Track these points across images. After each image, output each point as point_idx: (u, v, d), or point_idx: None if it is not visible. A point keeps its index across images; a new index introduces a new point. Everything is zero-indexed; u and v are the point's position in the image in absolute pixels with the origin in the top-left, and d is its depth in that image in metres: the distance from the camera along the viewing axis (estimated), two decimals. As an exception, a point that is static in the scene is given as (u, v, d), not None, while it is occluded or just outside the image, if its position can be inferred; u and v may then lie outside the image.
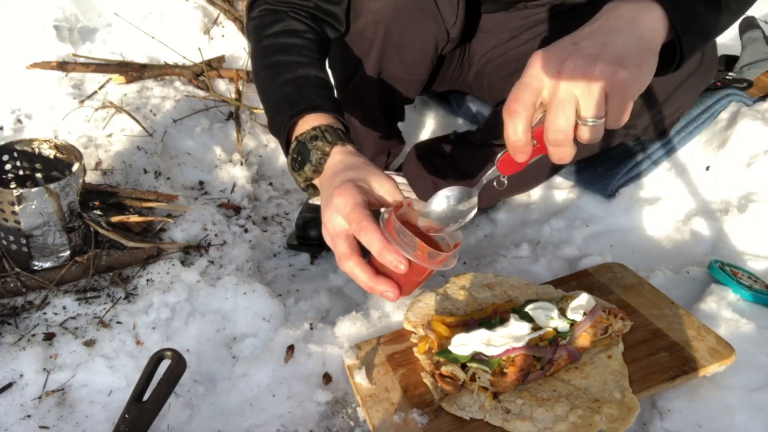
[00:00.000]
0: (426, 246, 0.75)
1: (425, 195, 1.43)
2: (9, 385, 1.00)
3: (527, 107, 0.74)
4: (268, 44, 1.08)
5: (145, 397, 0.89)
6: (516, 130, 0.75)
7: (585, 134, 0.74)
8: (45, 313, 1.13)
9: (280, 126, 0.98)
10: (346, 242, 0.80)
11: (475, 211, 0.82)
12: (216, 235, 1.39)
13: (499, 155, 0.80)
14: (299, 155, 0.92)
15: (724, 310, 1.08)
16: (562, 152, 0.75)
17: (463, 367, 0.93)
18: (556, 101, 0.72)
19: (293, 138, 0.94)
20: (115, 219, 1.31)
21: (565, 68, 0.72)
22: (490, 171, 0.82)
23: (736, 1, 0.88)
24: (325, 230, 0.84)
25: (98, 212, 1.31)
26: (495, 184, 0.82)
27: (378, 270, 0.78)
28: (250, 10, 1.18)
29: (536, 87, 0.74)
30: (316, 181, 0.93)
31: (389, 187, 0.83)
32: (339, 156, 0.89)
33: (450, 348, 0.94)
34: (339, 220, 0.80)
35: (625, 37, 0.74)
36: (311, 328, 1.13)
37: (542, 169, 1.37)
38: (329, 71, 1.26)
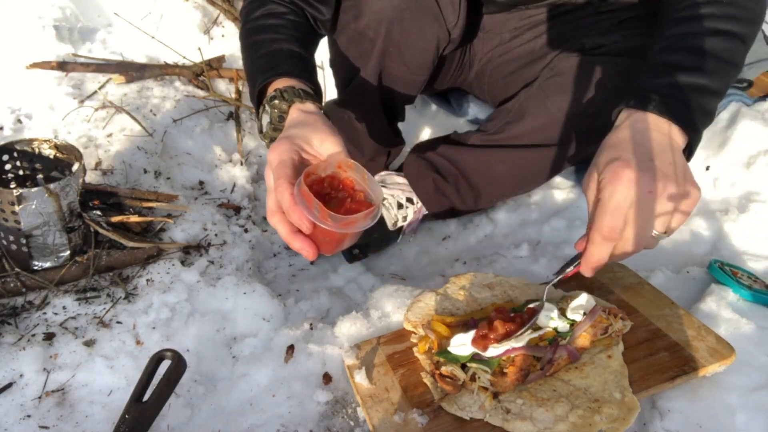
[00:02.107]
0: (326, 210, 0.78)
1: (425, 195, 1.44)
2: (9, 385, 1.00)
3: (620, 234, 0.80)
4: (249, 27, 1.15)
5: (146, 398, 0.89)
6: (604, 253, 0.82)
7: (647, 247, 0.83)
8: (45, 313, 1.13)
9: (252, 96, 1.04)
10: (274, 199, 0.83)
11: None
12: (216, 235, 1.39)
13: (569, 268, 0.89)
14: (261, 120, 0.99)
15: (724, 310, 1.08)
16: (618, 255, 0.84)
17: (463, 367, 0.93)
18: (642, 219, 0.79)
19: (264, 100, 1.00)
20: (115, 219, 1.31)
21: (656, 190, 0.79)
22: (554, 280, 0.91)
23: (735, 72, 0.95)
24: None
25: (98, 212, 1.31)
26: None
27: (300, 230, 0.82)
28: (243, 6, 1.23)
29: (625, 210, 0.80)
30: None
31: (329, 145, 0.87)
32: (295, 113, 0.94)
33: (450, 348, 0.94)
34: (271, 177, 0.84)
35: (678, 154, 0.83)
36: (311, 328, 1.13)
37: (542, 169, 1.37)
38: (329, 62, 1.29)
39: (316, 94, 1.01)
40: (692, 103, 0.87)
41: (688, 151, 0.89)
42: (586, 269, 0.85)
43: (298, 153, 0.86)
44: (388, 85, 1.29)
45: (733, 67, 0.93)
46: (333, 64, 1.40)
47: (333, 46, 1.32)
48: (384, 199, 1.37)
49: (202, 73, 1.95)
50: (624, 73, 1.22)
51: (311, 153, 0.87)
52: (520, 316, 0.95)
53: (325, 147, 0.87)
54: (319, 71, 1.16)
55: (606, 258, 0.83)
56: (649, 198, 0.79)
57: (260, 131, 1.02)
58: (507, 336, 0.90)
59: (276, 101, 0.95)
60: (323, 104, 1.22)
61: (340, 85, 1.40)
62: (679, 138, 0.85)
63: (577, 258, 0.88)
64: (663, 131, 0.84)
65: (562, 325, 0.96)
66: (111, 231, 1.28)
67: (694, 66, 0.89)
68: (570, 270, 0.89)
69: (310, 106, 0.95)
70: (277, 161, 0.83)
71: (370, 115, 1.40)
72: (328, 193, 0.84)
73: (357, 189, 0.85)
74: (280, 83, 0.99)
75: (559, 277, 0.90)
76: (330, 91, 1.53)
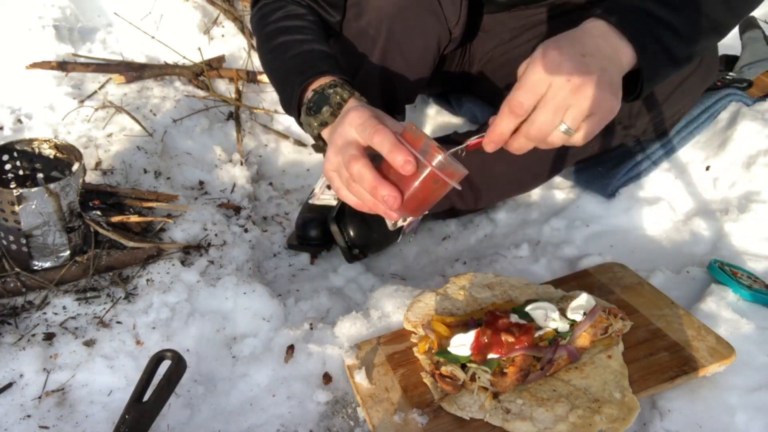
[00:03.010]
0: (439, 149, 0.74)
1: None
2: (9, 385, 1.00)
3: (527, 110, 0.79)
4: (271, 29, 1.14)
5: (146, 398, 0.89)
6: (507, 126, 0.80)
7: (553, 139, 0.80)
8: (45, 313, 1.13)
9: (292, 92, 1.01)
10: (356, 147, 0.80)
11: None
12: (216, 235, 1.39)
13: (472, 138, 0.84)
14: (315, 102, 0.96)
15: (724, 310, 1.08)
16: (525, 145, 0.82)
17: (463, 367, 0.93)
18: (554, 105, 0.77)
19: (308, 91, 0.98)
20: (115, 219, 1.31)
21: (574, 79, 0.76)
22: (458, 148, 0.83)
23: (711, 30, 0.94)
24: (333, 149, 0.84)
25: (98, 212, 1.31)
26: (459, 151, 0.84)
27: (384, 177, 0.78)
28: (252, 7, 1.23)
29: (540, 92, 0.78)
30: (327, 131, 0.96)
31: (397, 126, 0.84)
32: (355, 103, 0.93)
33: (449, 348, 0.94)
34: (350, 131, 0.81)
35: (615, 68, 0.81)
36: (311, 328, 1.13)
37: (542, 169, 1.37)
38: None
39: None
40: (653, 33, 0.85)
41: (640, 87, 0.87)
42: (488, 141, 0.82)
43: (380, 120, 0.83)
44: (388, 83, 1.29)
45: (707, 19, 0.91)
46: None
47: (334, 45, 1.32)
48: None
49: (202, 73, 1.95)
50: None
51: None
52: (517, 324, 0.94)
53: (392, 124, 0.85)
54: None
55: (507, 133, 0.81)
56: (566, 85, 0.76)
57: (307, 114, 0.98)
58: (510, 351, 0.90)
59: (338, 88, 0.95)
60: None
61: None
62: (625, 57, 0.83)
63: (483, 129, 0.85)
64: (611, 43, 0.82)
65: (562, 325, 0.96)
66: (111, 231, 1.28)
67: (666, 1, 0.87)
68: (473, 140, 0.84)
69: (365, 102, 0.95)
70: (367, 116, 0.81)
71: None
72: None
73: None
74: (329, 78, 0.98)
75: (463, 146, 0.83)
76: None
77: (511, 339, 0.90)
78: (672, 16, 0.87)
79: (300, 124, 1.05)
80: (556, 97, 0.77)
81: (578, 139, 0.81)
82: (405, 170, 0.75)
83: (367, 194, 0.80)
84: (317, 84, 0.98)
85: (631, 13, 0.85)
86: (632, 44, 0.83)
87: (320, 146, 1.01)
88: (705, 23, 0.92)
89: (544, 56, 0.78)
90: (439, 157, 0.75)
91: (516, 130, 0.82)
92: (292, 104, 1.03)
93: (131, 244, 1.27)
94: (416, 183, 0.77)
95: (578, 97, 0.77)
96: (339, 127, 0.84)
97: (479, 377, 0.91)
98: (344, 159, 0.81)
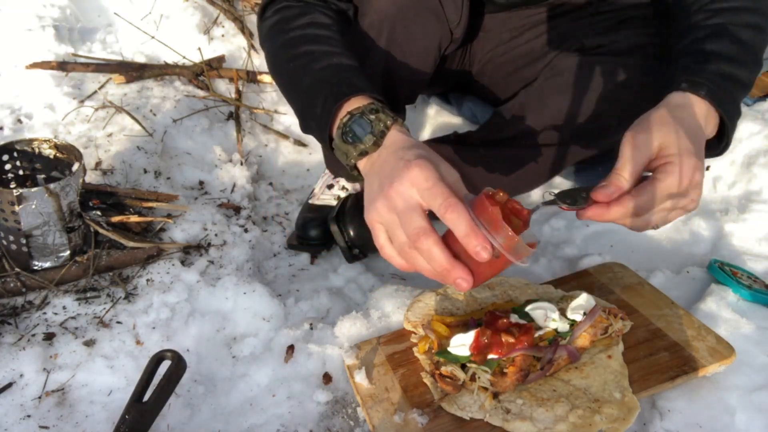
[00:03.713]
0: (516, 237, 0.70)
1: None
2: (9, 385, 1.00)
3: (646, 212, 0.83)
4: (296, 35, 1.05)
5: (146, 398, 0.89)
6: (615, 218, 0.82)
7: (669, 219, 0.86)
8: (45, 313, 1.13)
9: (323, 108, 0.91)
10: (423, 217, 0.73)
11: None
12: (216, 235, 1.39)
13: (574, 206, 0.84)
14: (353, 128, 0.86)
15: (724, 310, 1.08)
16: (638, 224, 0.85)
17: (463, 367, 0.93)
18: (667, 208, 0.84)
19: (343, 113, 0.88)
20: (115, 219, 1.31)
21: (697, 176, 0.83)
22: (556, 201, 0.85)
23: (758, 69, 0.99)
24: (387, 204, 0.76)
25: (98, 212, 1.31)
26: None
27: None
28: (263, 11, 1.14)
29: (643, 164, 0.83)
30: (365, 161, 0.86)
31: (455, 178, 0.78)
32: (399, 134, 0.84)
33: (449, 348, 0.94)
34: (413, 193, 0.73)
35: (702, 136, 0.87)
36: (311, 328, 1.13)
37: (542, 169, 1.37)
38: None
39: None
40: (733, 95, 0.90)
41: (726, 140, 0.93)
42: (587, 217, 0.82)
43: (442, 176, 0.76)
44: (389, 84, 1.29)
45: (758, 62, 0.96)
46: None
47: None
48: None
49: (202, 73, 1.95)
50: (624, 72, 1.22)
51: (445, 181, 0.76)
52: (517, 324, 0.94)
53: (451, 176, 0.77)
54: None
55: (614, 220, 0.83)
56: (682, 195, 0.82)
57: (344, 141, 0.87)
58: (510, 351, 0.90)
59: (381, 114, 0.85)
60: None
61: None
62: (711, 126, 0.89)
63: (584, 200, 0.82)
64: (701, 116, 0.87)
65: (562, 325, 0.96)
66: (111, 231, 1.28)
67: (732, 56, 0.91)
68: (571, 208, 0.82)
69: (407, 130, 0.86)
70: (434, 180, 0.72)
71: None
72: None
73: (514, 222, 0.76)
74: (365, 100, 0.89)
75: (556, 205, 0.83)
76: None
77: (511, 339, 0.90)
78: (744, 73, 0.92)
79: (329, 147, 0.93)
80: (674, 206, 0.83)
81: (657, 225, 0.86)
82: (479, 258, 0.69)
83: (427, 266, 0.75)
84: (354, 105, 0.87)
85: (717, 81, 0.89)
86: (718, 112, 0.88)
87: (355, 176, 0.90)
88: (757, 66, 0.97)
89: (688, 166, 0.82)
90: (516, 244, 0.70)
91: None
92: (320, 122, 0.92)
93: (131, 244, 1.27)
94: (487, 264, 0.72)
95: (688, 182, 0.82)
96: (397, 182, 0.75)
97: (479, 377, 0.91)
98: (408, 229, 0.73)
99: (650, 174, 0.84)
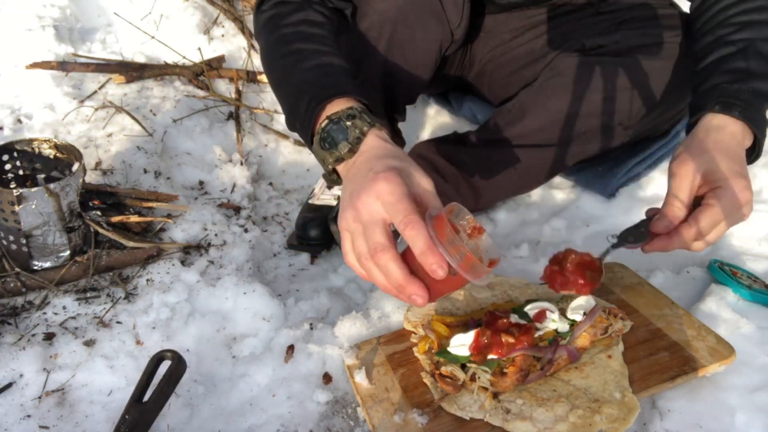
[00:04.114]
0: (473, 257, 0.70)
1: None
2: (9, 385, 1.00)
3: (703, 236, 0.90)
4: (288, 32, 1.05)
5: (146, 398, 0.89)
6: (680, 246, 0.91)
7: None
8: (45, 313, 1.13)
9: (306, 109, 0.92)
10: (385, 232, 0.74)
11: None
12: (216, 235, 1.39)
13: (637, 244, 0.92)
14: (330, 134, 0.87)
15: (724, 310, 1.08)
16: (692, 245, 0.92)
17: (463, 367, 0.93)
18: (720, 231, 0.89)
19: (323, 117, 0.89)
20: (115, 219, 1.31)
21: (746, 209, 0.89)
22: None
23: None
24: (354, 214, 0.77)
25: (98, 212, 1.31)
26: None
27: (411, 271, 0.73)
28: (260, 4, 1.14)
29: (721, 216, 0.88)
30: (342, 167, 0.87)
31: (428, 186, 0.79)
32: (376, 140, 0.85)
33: (449, 348, 0.94)
34: (377, 208, 0.74)
35: (740, 153, 0.92)
36: (311, 328, 1.13)
37: (542, 169, 1.37)
38: None
39: None
40: (763, 110, 0.94)
41: (757, 151, 0.97)
42: (653, 250, 0.92)
43: (409, 189, 0.75)
44: (390, 84, 1.29)
45: None
46: None
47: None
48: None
49: (202, 73, 1.95)
50: (624, 73, 1.22)
51: (413, 191, 0.77)
52: (517, 324, 0.94)
53: (423, 185, 0.78)
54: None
55: (676, 248, 0.91)
56: (736, 213, 0.88)
57: (322, 147, 0.89)
58: (510, 351, 0.90)
59: (357, 120, 0.85)
60: None
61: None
62: (747, 141, 0.94)
63: (645, 234, 0.92)
64: (737, 136, 0.92)
65: (562, 325, 0.96)
66: (111, 231, 1.28)
67: (764, 73, 0.95)
68: (636, 245, 0.92)
69: (385, 135, 0.87)
70: (398, 195, 0.73)
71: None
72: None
73: (462, 235, 0.76)
74: (347, 102, 0.89)
75: (622, 246, 0.92)
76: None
77: (510, 339, 0.90)
78: None
79: (310, 148, 0.95)
80: (725, 227, 0.89)
81: (710, 241, 0.91)
82: (435, 276, 0.70)
83: (383, 281, 0.75)
84: (335, 108, 0.88)
85: (748, 100, 0.92)
86: (751, 129, 0.92)
87: (333, 180, 0.92)
88: None
89: (741, 195, 0.87)
90: (473, 263, 0.70)
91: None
92: (304, 124, 0.93)
93: (131, 244, 1.27)
94: (444, 282, 0.72)
95: (731, 217, 0.88)
96: (364, 194, 0.75)
97: (479, 377, 0.91)
98: (369, 242, 0.74)
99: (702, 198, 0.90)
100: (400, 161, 0.80)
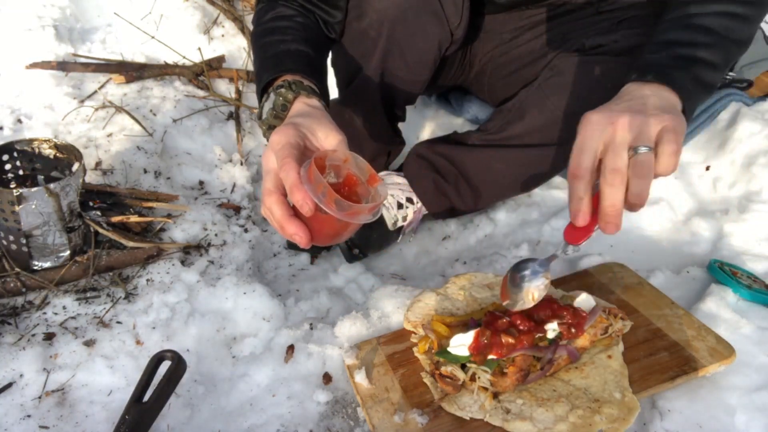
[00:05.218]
0: (334, 193, 0.76)
1: (425, 195, 1.44)
2: (9, 385, 1.00)
3: (588, 168, 0.80)
4: (259, 30, 1.16)
5: (146, 398, 0.89)
6: (579, 189, 0.80)
7: (636, 166, 0.77)
8: (45, 313, 1.13)
9: (258, 92, 1.04)
10: (273, 179, 0.82)
11: (548, 281, 0.88)
12: (216, 235, 1.39)
13: (565, 228, 0.85)
14: (263, 106, 0.98)
15: (724, 310, 1.08)
16: (613, 196, 0.78)
17: (463, 367, 0.93)
18: (613, 146, 0.78)
19: (268, 92, 0.99)
20: (115, 219, 1.31)
21: (618, 120, 0.78)
22: (561, 245, 0.86)
23: (737, 49, 0.96)
24: (263, 170, 0.86)
25: (98, 212, 1.31)
26: (568, 252, 0.87)
27: (296, 215, 0.80)
28: (256, 4, 1.23)
29: (594, 148, 0.79)
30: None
31: (333, 140, 0.85)
32: (299, 105, 0.93)
33: (449, 348, 0.94)
34: (272, 158, 0.82)
35: (657, 100, 0.83)
36: (311, 328, 1.13)
37: (542, 169, 1.37)
38: (330, 61, 1.29)
39: (322, 94, 1.00)
40: (687, 73, 0.88)
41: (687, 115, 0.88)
42: (573, 214, 0.82)
43: (303, 140, 0.84)
44: (389, 84, 1.29)
45: (733, 43, 0.94)
46: (334, 63, 1.40)
47: (335, 46, 1.32)
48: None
49: (202, 73, 1.95)
50: (624, 72, 1.22)
51: (315, 144, 0.86)
52: (515, 325, 0.94)
53: (329, 141, 0.86)
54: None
55: (584, 194, 0.80)
56: (614, 128, 0.78)
57: (259, 117, 1.00)
58: (510, 351, 0.90)
59: (282, 90, 0.95)
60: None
61: (342, 84, 1.40)
62: (672, 97, 0.85)
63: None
64: (651, 91, 0.85)
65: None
66: (111, 231, 1.28)
67: (691, 41, 0.91)
68: (565, 228, 0.85)
69: (315, 101, 0.95)
70: (283, 143, 0.81)
71: (371, 115, 1.40)
72: (332, 183, 0.82)
73: (360, 184, 0.84)
74: (288, 77, 0.98)
75: (564, 241, 0.86)
76: (332, 91, 1.52)
77: (510, 339, 0.90)
78: (705, 52, 0.90)
79: None
80: (612, 141, 0.78)
81: (668, 148, 0.78)
82: (303, 211, 0.77)
83: (273, 222, 0.83)
84: (274, 85, 0.98)
85: (668, 64, 0.88)
86: (674, 90, 0.85)
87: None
88: (732, 46, 0.94)
89: (583, 121, 0.81)
90: (335, 199, 0.76)
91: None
92: (259, 106, 1.03)
93: (131, 244, 1.27)
94: (321, 221, 0.79)
95: (633, 128, 0.77)
96: (265, 149, 0.85)
97: (479, 377, 0.91)
98: (262, 189, 0.83)
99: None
100: (307, 118, 0.88)
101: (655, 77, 0.86)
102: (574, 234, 0.83)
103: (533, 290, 0.88)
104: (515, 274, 0.90)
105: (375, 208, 0.80)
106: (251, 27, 1.25)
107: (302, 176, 0.77)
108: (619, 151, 0.77)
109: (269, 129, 0.96)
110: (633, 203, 0.78)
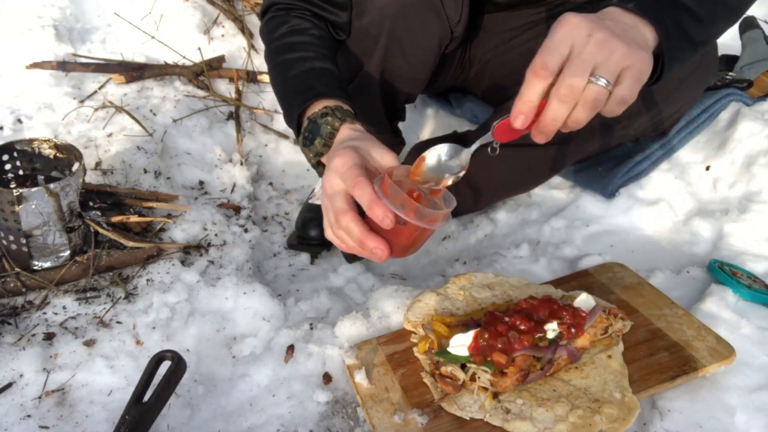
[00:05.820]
0: (414, 203, 0.77)
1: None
2: (9, 385, 1.00)
3: (552, 72, 0.77)
4: (275, 46, 1.15)
5: (146, 398, 0.89)
6: (533, 92, 0.77)
7: (589, 95, 0.75)
8: (45, 313, 1.13)
9: (291, 115, 1.04)
10: (344, 199, 0.82)
11: (464, 170, 0.84)
12: (216, 235, 1.39)
13: (496, 121, 0.82)
14: (310, 132, 0.97)
15: (724, 310, 1.08)
16: (558, 111, 0.76)
17: (463, 367, 0.93)
18: (580, 60, 0.75)
19: (304, 120, 1.00)
20: (115, 219, 1.31)
21: (596, 34, 0.75)
22: (485, 135, 0.84)
23: (726, 12, 0.94)
24: (324, 195, 0.86)
25: (98, 212, 1.31)
26: (489, 150, 0.84)
27: (372, 230, 0.81)
28: (261, 16, 1.24)
29: (563, 52, 0.76)
30: (324, 159, 0.97)
31: (389, 160, 0.86)
32: (347, 131, 0.94)
33: (449, 348, 0.94)
34: (337, 181, 0.83)
35: (638, 34, 0.80)
36: (311, 328, 1.13)
37: (542, 168, 1.37)
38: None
39: (356, 114, 1.01)
40: (668, 12, 0.85)
41: (660, 69, 0.85)
42: (516, 114, 0.78)
43: (364, 161, 0.85)
44: (390, 83, 1.29)
45: (722, 6, 0.93)
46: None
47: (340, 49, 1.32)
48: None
49: (202, 73, 1.95)
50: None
51: (372, 165, 0.86)
52: (515, 325, 0.94)
53: (385, 160, 0.86)
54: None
55: (535, 100, 0.77)
56: (588, 40, 0.75)
57: (304, 145, 0.99)
58: (510, 353, 0.90)
59: (329, 117, 0.95)
60: None
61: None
62: (648, 32, 0.82)
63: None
64: (631, 19, 0.82)
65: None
66: (111, 231, 1.28)
67: None
68: (498, 122, 0.81)
69: (359, 126, 0.96)
70: (349, 164, 0.82)
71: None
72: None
73: (423, 197, 0.83)
74: (324, 103, 0.98)
75: (490, 134, 0.82)
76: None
77: (503, 360, 0.90)
78: (694, 3, 0.88)
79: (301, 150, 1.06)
80: (581, 53, 0.75)
81: (623, 93, 0.76)
82: (384, 225, 0.77)
83: (351, 242, 0.83)
84: (312, 110, 0.98)
85: (649, 1, 0.84)
86: (653, 25, 0.81)
87: (321, 172, 1.02)
88: (719, 5, 0.93)
89: (563, 19, 0.78)
90: (416, 209, 0.77)
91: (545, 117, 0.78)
92: (293, 125, 1.05)
93: (131, 244, 1.27)
94: (398, 233, 0.80)
95: (604, 50, 0.74)
96: (327, 173, 0.85)
97: (479, 377, 0.91)
98: (333, 211, 0.83)
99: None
100: (360, 141, 0.88)
101: (637, 5, 0.82)
102: (505, 132, 0.82)
103: (449, 177, 0.85)
104: (439, 156, 0.84)
105: (447, 215, 0.82)
106: (256, 33, 1.24)
107: (377, 192, 0.78)
108: (584, 68, 0.75)
109: (316, 156, 0.97)
110: (569, 126, 0.78)
